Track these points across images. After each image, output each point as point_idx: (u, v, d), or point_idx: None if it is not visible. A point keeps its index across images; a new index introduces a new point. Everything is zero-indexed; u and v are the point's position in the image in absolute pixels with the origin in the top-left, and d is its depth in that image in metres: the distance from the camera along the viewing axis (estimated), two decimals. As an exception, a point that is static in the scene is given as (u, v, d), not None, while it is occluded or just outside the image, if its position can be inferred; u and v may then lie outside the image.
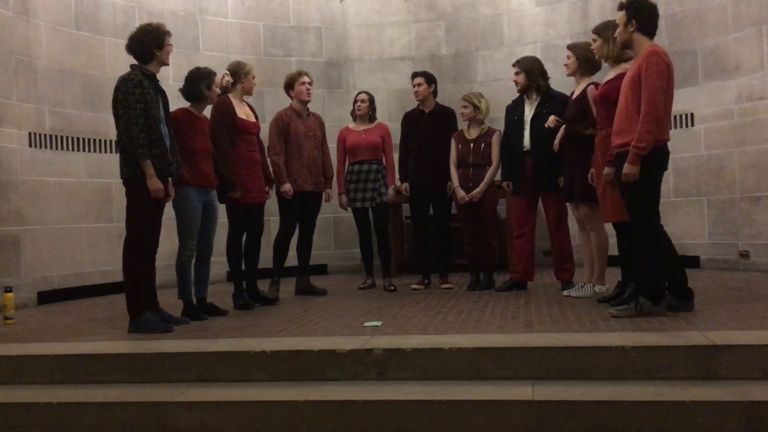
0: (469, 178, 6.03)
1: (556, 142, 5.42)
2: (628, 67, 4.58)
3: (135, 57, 4.64)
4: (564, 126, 5.34)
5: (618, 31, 4.45)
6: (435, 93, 6.43)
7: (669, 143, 4.37)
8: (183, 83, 5.11)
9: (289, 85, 6.17)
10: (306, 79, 6.13)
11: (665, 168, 4.39)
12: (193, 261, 5.04)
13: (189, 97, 5.08)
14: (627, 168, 4.20)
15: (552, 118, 5.44)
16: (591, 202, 5.09)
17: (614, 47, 4.74)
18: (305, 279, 6.30)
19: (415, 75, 6.45)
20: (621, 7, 4.42)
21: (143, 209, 4.53)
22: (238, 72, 5.55)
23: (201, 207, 4.99)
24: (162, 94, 4.70)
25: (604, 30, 4.85)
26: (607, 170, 4.59)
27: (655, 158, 4.24)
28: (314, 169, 6.10)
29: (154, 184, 4.47)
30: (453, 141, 6.15)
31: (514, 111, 5.88)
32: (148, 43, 4.60)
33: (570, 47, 5.42)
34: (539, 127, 5.62)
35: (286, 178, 5.92)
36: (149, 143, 4.47)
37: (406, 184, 6.38)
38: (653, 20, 4.38)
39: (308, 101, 6.18)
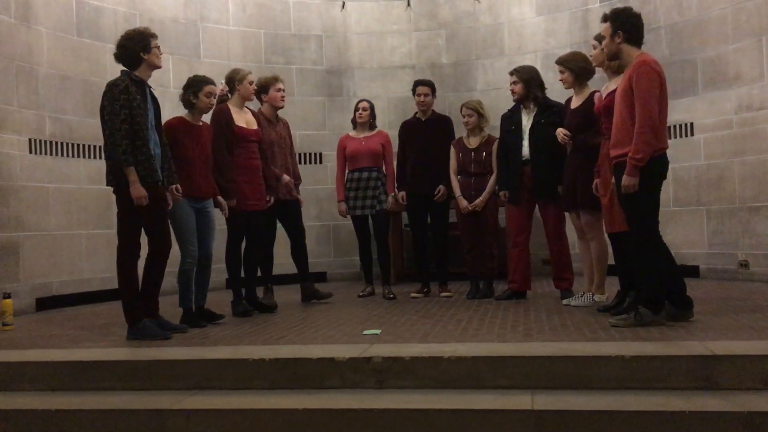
0: (472, 187, 6.03)
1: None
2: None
3: (123, 64, 4.63)
4: (572, 139, 5.28)
5: (604, 42, 4.45)
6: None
7: (668, 152, 4.37)
8: None
9: (263, 89, 6.03)
10: (282, 85, 6.06)
11: (664, 177, 4.39)
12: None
13: (183, 105, 5.11)
14: (626, 180, 4.20)
15: (561, 132, 5.24)
16: (593, 210, 5.09)
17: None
18: (309, 285, 6.25)
19: (421, 84, 6.40)
20: (605, 19, 4.42)
21: (133, 217, 4.50)
22: (233, 79, 5.56)
23: (193, 212, 4.98)
24: (154, 100, 4.68)
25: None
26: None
27: (654, 168, 4.24)
28: (286, 177, 6.00)
29: (137, 191, 4.41)
30: (453, 149, 6.15)
31: (511, 120, 5.87)
32: (132, 48, 4.58)
33: (561, 63, 5.38)
34: (538, 136, 5.63)
35: (281, 173, 5.83)
36: (133, 150, 4.43)
37: (402, 193, 6.37)
38: (639, 30, 4.37)
39: (281, 108, 6.10)
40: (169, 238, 4.75)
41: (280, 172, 5.87)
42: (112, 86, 4.50)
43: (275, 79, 6.07)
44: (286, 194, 5.98)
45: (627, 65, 4.37)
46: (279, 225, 6.16)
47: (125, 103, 4.44)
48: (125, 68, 4.62)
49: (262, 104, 6.11)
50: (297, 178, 6.24)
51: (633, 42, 4.36)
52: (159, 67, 4.78)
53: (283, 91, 6.07)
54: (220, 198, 5.22)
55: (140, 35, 4.62)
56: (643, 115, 4.15)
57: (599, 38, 4.91)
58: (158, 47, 4.69)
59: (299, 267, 6.23)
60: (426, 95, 6.32)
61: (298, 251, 6.21)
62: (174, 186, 4.75)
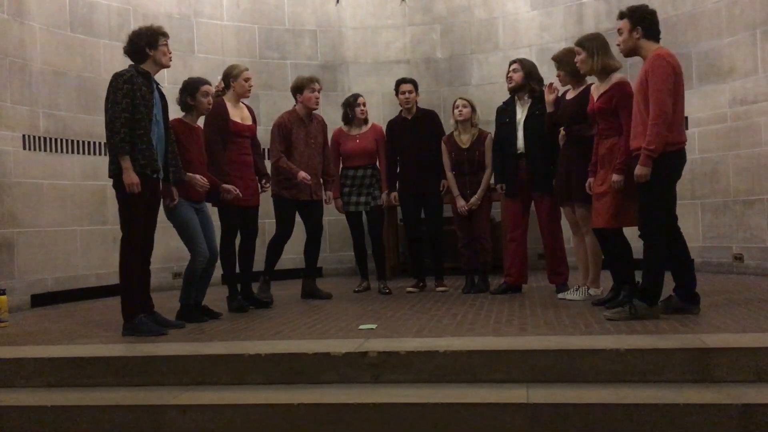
0: (466, 186, 6.02)
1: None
2: (620, 77, 4.74)
3: (130, 58, 4.63)
4: (565, 130, 5.32)
5: (623, 38, 4.45)
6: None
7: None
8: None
9: (298, 89, 6.04)
10: (317, 86, 6.05)
11: (679, 175, 4.41)
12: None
13: (181, 108, 5.10)
14: (638, 169, 4.24)
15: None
16: (588, 204, 5.09)
17: (599, 60, 4.77)
18: (311, 282, 6.24)
19: (403, 81, 6.37)
20: (622, 16, 4.45)
21: (133, 207, 4.48)
22: (229, 75, 5.54)
23: (194, 211, 4.97)
24: (162, 97, 4.68)
25: (588, 42, 4.87)
26: (616, 177, 4.59)
27: (669, 163, 4.26)
28: (313, 179, 5.96)
29: (129, 177, 4.38)
30: (444, 147, 6.10)
31: (505, 113, 5.85)
32: (138, 42, 4.58)
33: (556, 63, 5.37)
34: (532, 129, 5.63)
35: (298, 169, 5.80)
36: (133, 138, 4.42)
37: (394, 193, 6.34)
38: (656, 25, 4.43)
39: (315, 109, 6.10)
40: (152, 241, 4.73)
41: (297, 169, 5.82)
42: (117, 76, 4.49)
43: (311, 81, 6.05)
44: (307, 195, 5.91)
45: (645, 59, 4.39)
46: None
47: (128, 93, 4.42)
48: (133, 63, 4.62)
49: (297, 103, 6.09)
50: (330, 176, 6.20)
51: (651, 37, 4.40)
52: (166, 67, 4.74)
53: (319, 92, 6.06)
54: (226, 185, 5.21)
55: (149, 31, 4.62)
56: (657, 107, 4.19)
57: (581, 44, 4.90)
58: (167, 46, 4.67)
59: (307, 263, 6.24)
60: (410, 92, 6.28)
61: (312, 248, 6.21)
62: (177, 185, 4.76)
